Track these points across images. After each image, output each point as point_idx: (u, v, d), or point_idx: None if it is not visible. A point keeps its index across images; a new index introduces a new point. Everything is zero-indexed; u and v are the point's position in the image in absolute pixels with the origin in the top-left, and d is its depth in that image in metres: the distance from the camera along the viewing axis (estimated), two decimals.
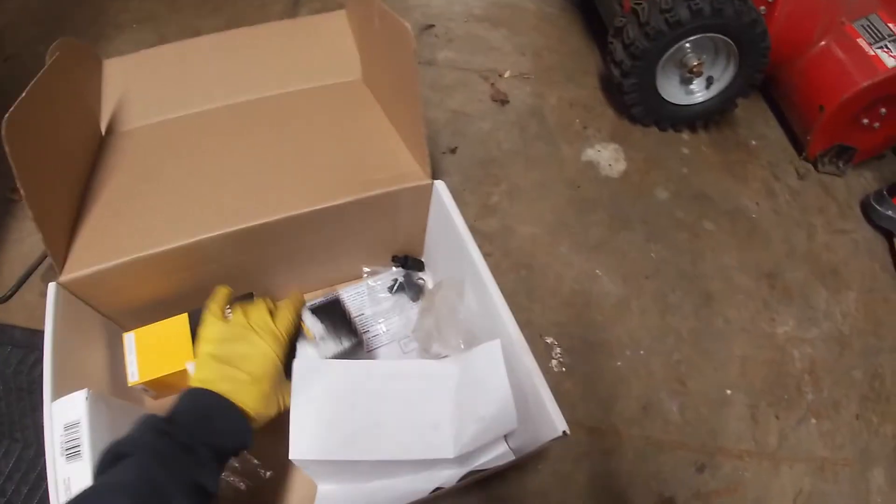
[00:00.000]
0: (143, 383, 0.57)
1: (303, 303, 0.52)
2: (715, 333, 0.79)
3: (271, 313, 0.48)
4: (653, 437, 0.70)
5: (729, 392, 0.76)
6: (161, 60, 0.78)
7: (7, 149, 0.48)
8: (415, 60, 0.56)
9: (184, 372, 0.57)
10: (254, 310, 0.48)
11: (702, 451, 0.72)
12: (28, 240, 0.83)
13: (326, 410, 0.50)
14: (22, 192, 0.50)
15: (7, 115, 0.48)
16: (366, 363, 0.54)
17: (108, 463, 0.37)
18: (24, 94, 0.52)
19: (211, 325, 0.47)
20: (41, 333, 0.72)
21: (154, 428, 0.38)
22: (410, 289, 0.68)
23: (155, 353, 0.58)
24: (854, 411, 0.83)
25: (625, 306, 0.76)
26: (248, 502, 0.57)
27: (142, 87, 0.75)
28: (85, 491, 0.35)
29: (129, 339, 0.59)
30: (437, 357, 0.61)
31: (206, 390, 0.42)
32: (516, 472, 0.65)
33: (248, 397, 0.43)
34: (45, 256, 0.82)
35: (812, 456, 0.78)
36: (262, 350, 0.45)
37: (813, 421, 0.80)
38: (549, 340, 0.71)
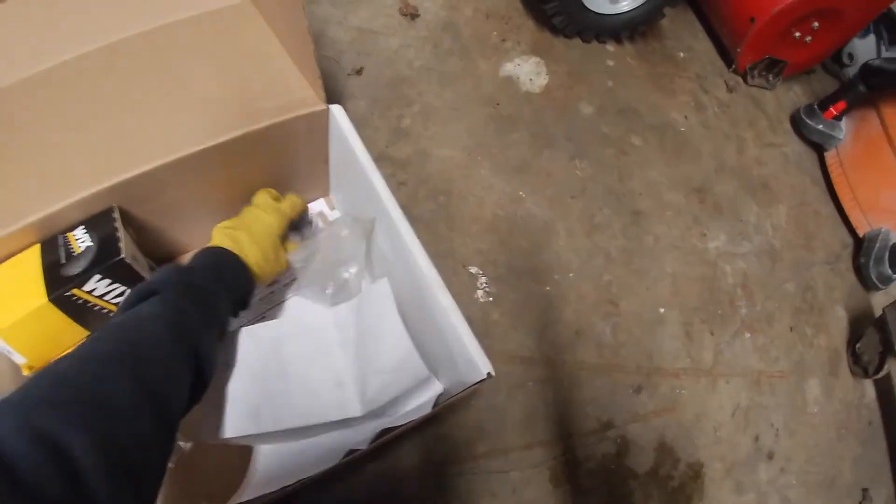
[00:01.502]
0: (4, 339, 0.47)
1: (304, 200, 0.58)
2: (645, 252, 0.75)
3: (276, 199, 0.55)
4: (587, 362, 0.67)
5: (662, 311, 0.74)
6: (25, 8, 0.66)
7: None
8: None
9: (53, 318, 0.47)
10: (258, 195, 0.54)
11: (637, 373, 0.69)
12: None
13: (233, 386, 0.46)
14: None
15: None
16: (258, 327, 0.49)
17: (137, 299, 0.39)
18: None
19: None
20: None
21: (178, 271, 0.42)
22: (301, 226, 0.60)
23: (6, 295, 0.48)
24: (788, 324, 0.82)
25: (551, 229, 0.71)
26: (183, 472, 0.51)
27: (4, 40, 0.63)
28: (122, 318, 0.37)
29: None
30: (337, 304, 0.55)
31: (217, 247, 0.47)
32: (449, 409, 0.60)
33: (250, 252, 0.48)
34: None
35: (748, 370, 0.77)
36: (261, 218, 0.51)
37: (747, 335, 0.79)
38: (473, 270, 0.66)
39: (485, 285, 0.66)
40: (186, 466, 0.50)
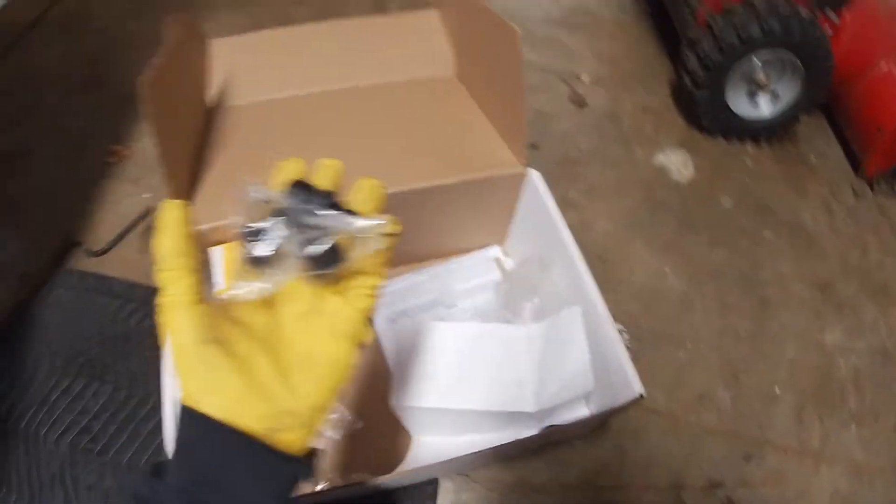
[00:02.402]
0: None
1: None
2: (769, 335, 0.84)
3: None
4: (706, 424, 0.76)
5: (778, 391, 0.81)
6: (263, 44, 0.83)
7: (144, 109, 0.52)
8: (521, 59, 0.61)
9: None
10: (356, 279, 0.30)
11: (750, 442, 0.77)
12: (125, 201, 0.90)
13: (424, 364, 0.58)
14: (157, 151, 0.54)
15: (141, 76, 0.51)
16: (460, 325, 0.61)
17: None
18: (153, 60, 0.56)
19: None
20: (138, 286, 0.79)
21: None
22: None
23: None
24: (892, 422, 0.87)
25: (689, 303, 0.82)
26: (344, 451, 0.62)
27: (246, 67, 0.80)
28: None
29: (218, 251, 0.60)
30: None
31: (210, 423, 0.25)
32: (582, 440, 0.71)
33: (293, 435, 0.26)
34: (144, 216, 0.88)
35: (850, 459, 0.82)
36: (343, 332, 0.29)
37: (853, 427, 0.84)
38: (619, 327, 0.77)
39: (627, 342, 0.77)
40: (355, 439, 0.62)
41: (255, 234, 0.27)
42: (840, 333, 0.88)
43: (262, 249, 0.27)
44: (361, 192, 0.32)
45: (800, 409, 0.82)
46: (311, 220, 0.27)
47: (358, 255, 0.28)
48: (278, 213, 0.27)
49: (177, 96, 0.66)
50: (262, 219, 0.27)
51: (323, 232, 0.27)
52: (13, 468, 0.64)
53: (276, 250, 0.27)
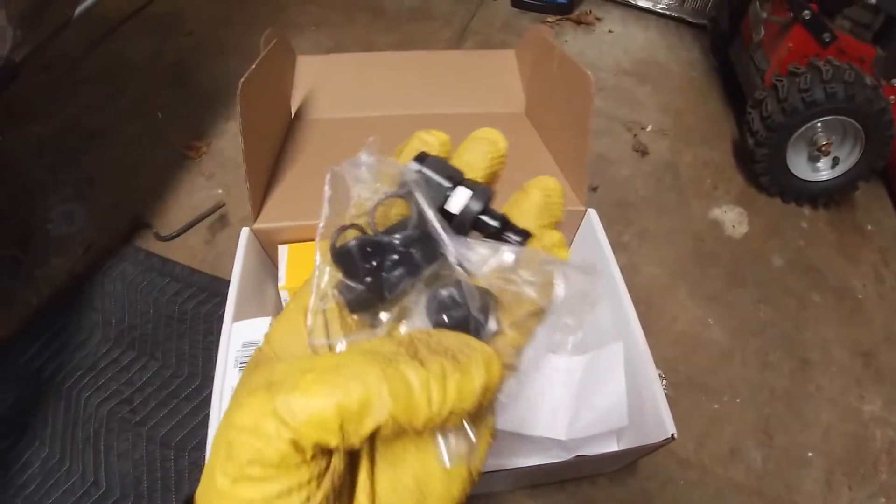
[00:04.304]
0: (287, 289, 0.65)
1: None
2: (806, 397, 0.85)
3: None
4: (734, 479, 0.77)
5: (810, 454, 0.82)
6: (347, 65, 0.90)
7: (240, 108, 0.58)
8: (591, 103, 0.64)
9: None
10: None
11: (776, 503, 0.78)
12: (198, 193, 0.97)
13: None
14: (243, 147, 0.60)
15: (242, 79, 0.58)
16: None
17: None
18: (253, 67, 0.62)
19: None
20: (200, 273, 0.85)
21: None
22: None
23: (302, 265, 0.66)
24: None
25: (729, 356, 0.83)
26: None
27: (327, 85, 0.87)
28: None
29: (283, 250, 0.66)
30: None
31: None
32: (607, 480, 0.73)
33: None
34: (215, 210, 0.94)
35: None
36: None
37: (882, 500, 0.85)
38: (657, 371, 0.79)
39: (664, 387, 0.79)
40: None
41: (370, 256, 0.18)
42: (878, 404, 0.88)
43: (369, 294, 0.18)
44: (533, 198, 0.23)
45: (829, 475, 0.82)
46: (463, 250, 0.18)
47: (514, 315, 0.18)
48: (399, 226, 0.19)
49: (266, 102, 0.72)
50: (381, 231, 0.19)
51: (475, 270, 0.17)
52: (50, 425, 0.69)
53: (395, 294, 0.18)
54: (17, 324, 0.78)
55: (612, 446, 0.68)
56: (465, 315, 0.18)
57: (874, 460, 0.86)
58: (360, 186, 0.20)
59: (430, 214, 0.18)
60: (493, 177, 0.26)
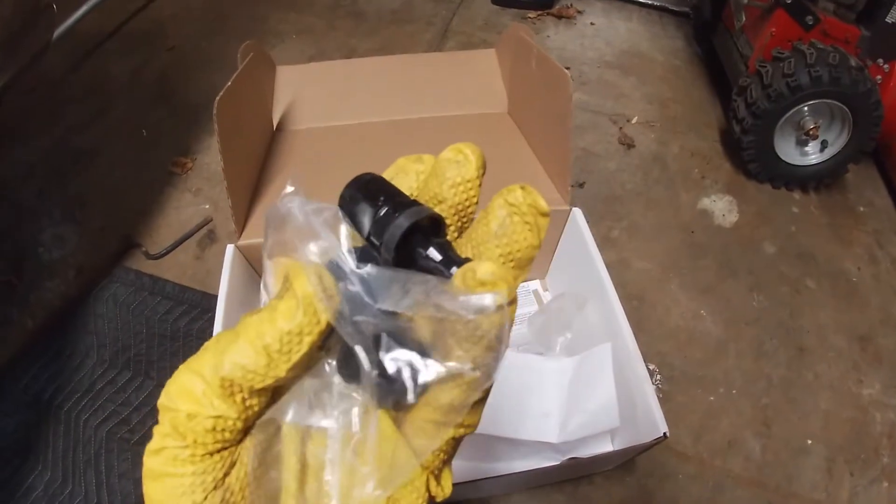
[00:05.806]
0: None
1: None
2: (803, 385, 0.84)
3: None
4: (733, 471, 0.77)
5: (809, 442, 0.81)
6: (326, 74, 0.90)
7: (216, 126, 0.57)
8: (570, 101, 0.64)
9: None
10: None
11: (776, 493, 0.77)
12: (186, 209, 0.96)
13: None
14: (223, 165, 0.59)
15: (218, 97, 0.57)
16: None
17: None
18: (229, 83, 0.62)
19: None
20: (190, 290, 0.85)
21: None
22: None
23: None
24: None
25: (723, 348, 0.83)
26: None
27: (309, 94, 0.86)
28: None
29: (269, 264, 0.69)
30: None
31: None
32: (605, 478, 0.73)
33: None
34: (203, 225, 0.94)
35: None
36: None
37: (885, 484, 0.84)
38: (651, 367, 0.79)
39: (658, 382, 0.79)
40: None
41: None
42: (877, 387, 0.88)
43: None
44: (490, 217, 0.20)
45: (829, 462, 0.82)
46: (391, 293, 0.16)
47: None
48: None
49: (245, 117, 0.72)
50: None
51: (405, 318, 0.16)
52: (51, 448, 0.69)
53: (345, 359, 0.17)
54: (15, 348, 0.79)
55: (607, 447, 0.68)
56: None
57: (875, 445, 0.85)
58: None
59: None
60: (462, 211, 0.21)
